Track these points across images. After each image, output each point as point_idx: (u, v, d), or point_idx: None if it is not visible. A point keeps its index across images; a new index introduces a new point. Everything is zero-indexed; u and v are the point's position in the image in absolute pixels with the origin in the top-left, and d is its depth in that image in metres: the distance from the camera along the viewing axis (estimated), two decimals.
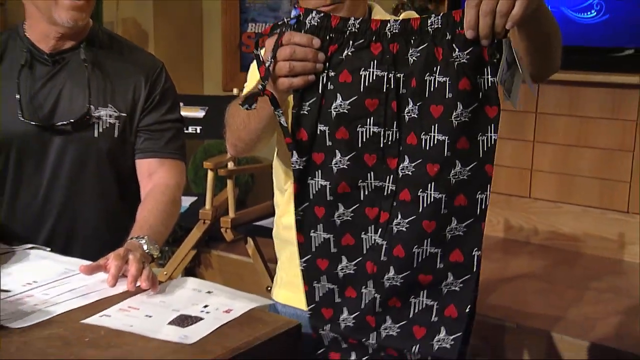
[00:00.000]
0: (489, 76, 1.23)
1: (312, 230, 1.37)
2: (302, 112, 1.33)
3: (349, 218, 1.35)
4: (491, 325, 3.34)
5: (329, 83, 1.31)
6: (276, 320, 1.40)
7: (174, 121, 1.94)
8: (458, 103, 1.23)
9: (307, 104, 1.32)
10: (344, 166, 1.32)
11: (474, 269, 1.31)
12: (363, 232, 1.35)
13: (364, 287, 1.35)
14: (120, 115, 1.87)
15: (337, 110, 1.30)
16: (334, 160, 1.33)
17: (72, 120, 1.83)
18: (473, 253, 1.30)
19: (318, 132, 1.33)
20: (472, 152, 1.25)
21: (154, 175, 1.87)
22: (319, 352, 1.42)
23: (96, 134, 1.86)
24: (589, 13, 3.96)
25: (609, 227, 4.04)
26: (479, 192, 1.28)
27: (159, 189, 1.84)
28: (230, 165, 3.37)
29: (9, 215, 1.91)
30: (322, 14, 1.31)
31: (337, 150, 1.32)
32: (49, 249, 1.77)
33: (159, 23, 4.49)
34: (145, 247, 1.62)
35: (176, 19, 4.62)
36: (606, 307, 3.40)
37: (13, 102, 1.82)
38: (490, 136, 1.25)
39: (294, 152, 1.34)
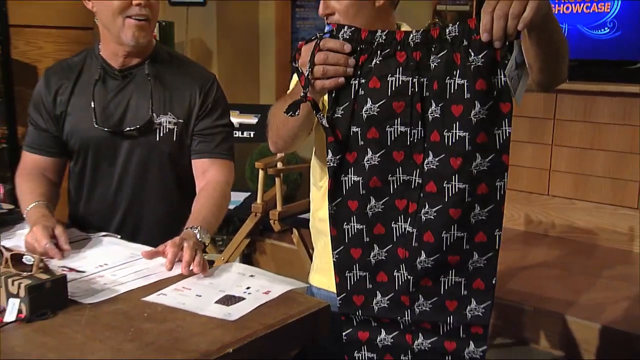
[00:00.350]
0: (502, 76, 1.22)
1: (345, 223, 1.35)
2: (336, 115, 1.32)
3: (379, 210, 1.33)
4: (511, 307, 3.29)
5: (360, 89, 1.30)
6: (308, 301, 1.41)
7: (224, 126, 1.92)
8: (476, 102, 1.22)
9: (341, 108, 1.31)
10: (375, 162, 1.31)
11: (497, 247, 1.29)
12: (393, 222, 1.33)
13: (396, 270, 1.33)
14: (178, 122, 1.87)
15: (367, 113, 1.29)
16: (365, 158, 1.31)
17: (138, 127, 1.85)
18: (495, 233, 1.28)
19: (351, 133, 1.31)
20: (490, 145, 1.24)
21: (207, 173, 1.87)
22: (348, 332, 1.40)
23: (158, 138, 1.87)
24: (602, 30, 3.87)
25: (620, 221, 3.96)
26: (498, 180, 1.26)
27: (211, 185, 1.83)
28: (279, 165, 3.38)
29: (87, 208, 1.94)
30: (353, 28, 1.30)
31: (368, 149, 1.31)
32: (119, 236, 1.80)
33: (222, 42, 4.53)
34: (198, 235, 1.62)
35: (236, 39, 4.65)
36: (616, 294, 3.33)
37: (89, 112, 1.84)
38: (505, 129, 1.24)
39: (329, 151, 1.33)
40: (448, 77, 1.24)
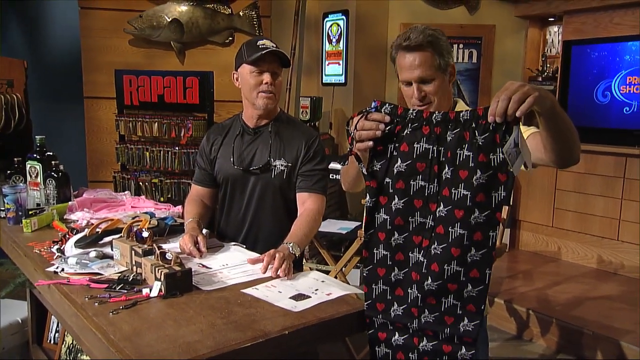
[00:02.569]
0: (500, 154, 1.19)
1: (375, 248, 1.35)
2: (375, 168, 1.33)
3: (400, 242, 1.33)
4: (574, 330, 2.98)
5: (394, 151, 1.31)
6: (356, 302, 1.40)
7: (320, 170, 1.92)
8: (478, 170, 1.21)
9: (379, 163, 1.33)
10: (400, 206, 1.31)
11: (486, 282, 1.24)
12: (410, 252, 1.32)
13: (409, 288, 1.32)
14: (288, 165, 1.90)
15: (397, 169, 1.31)
16: (393, 202, 1.32)
17: (260, 167, 1.91)
18: (486, 272, 1.24)
19: (385, 182, 1.33)
20: (487, 203, 1.22)
21: (305, 203, 1.88)
22: (370, 331, 1.38)
23: (273, 176, 1.91)
24: None
25: None
26: (491, 231, 1.23)
27: (307, 212, 1.84)
28: None
29: (224, 224, 2.03)
30: (392, 106, 1.32)
31: (395, 196, 1.32)
32: (244, 246, 1.87)
33: (356, 111, 4.56)
34: (290, 249, 1.65)
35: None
36: None
37: (230, 156, 1.96)
38: (501, 193, 1.21)
39: (367, 194, 1.35)
40: (459, 149, 1.24)
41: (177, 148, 3.85)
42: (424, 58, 1.51)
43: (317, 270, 1.59)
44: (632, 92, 3.65)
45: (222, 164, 1.98)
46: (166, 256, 1.49)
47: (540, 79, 4.19)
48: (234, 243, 1.88)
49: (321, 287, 1.47)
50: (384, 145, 1.32)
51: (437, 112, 1.28)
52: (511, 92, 1.14)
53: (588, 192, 3.90)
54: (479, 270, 1.24)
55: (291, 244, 1.67)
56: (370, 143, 1.31)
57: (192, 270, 1.47)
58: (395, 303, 1.33)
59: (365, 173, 1.33)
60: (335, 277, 2.63)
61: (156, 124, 3.84)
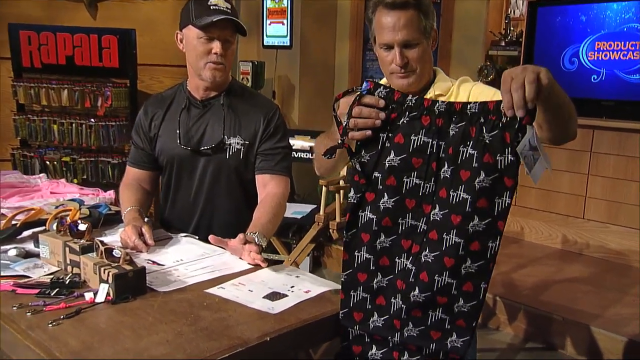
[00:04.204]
0: (509, 155, 1.18)
1: (357, 251, 1.33)
2: (362, 160, 1.31)
3: (387, 245, 1.31)
4: (542, 316, 3.16)
5: (387, 142, 1.29)
6: (340, 301, 1.38)
7: (283, 148, 1.91)
8: (481, 172, 1.19)
9: (368, 155, 1.30)
10: (389, 206, 1.29)
11: (481, 297, 1.25)
12: (397, 257, 1.31)
13: (393, 297, 1.31)
14: (245, 143, 1.88)
15: (389, 162, 1.28)
16: (382, 200, 1.30)
17: (212, 146, 1.88)
18: (481, 285, 1.24)
19: (373, 177, 1.30)
20: (488, 210, 1.21)
21: (267, 186, 1.87)
22: (343, 344, 1.37)
23: (227, 156, 1.88)
24: (637, 75, 3.68)
25: None
26: (491, 242, 1.22)
27: (269, 197, 1.83)
28: (341, 183, 3.39)
29: (171, 212, 1.99)
30: (387, 89, 1.29)
31: (385, 193, 1.29)
32: (197, 237, 1.83)
33: (303, 79, 4.57)
34: (256, 239, 1.64)
35: (315, 76, 4.67)
36: None
37: (175, 134, 1.90)
38: (505, 200, 1.20)
39: (352, 189, 1.32)
40: (462, 146, 1.22)
41: (93, 120, 3.69)
42: (409, 18, 1.50)
43: (267, 260, 1.58)
44: (600, 58, 3.84)
45: (166, 143, 1.92)
46: (113, 253, 1.43)
47: (503, 43, 4.33)
48: (184, 234, 1.84)
49: (297, 284, 1.47)
50: (375, 133, 1.29)
51: (439, 100, 1.27)
52: (520, 77, 1.12)
53: (553, 167, 4.11)
54: (474, 283, 1.24)
55: (256, 234, 1.65)
56: (369, 132, 1.28)
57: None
58: (375, 313, 1.33)
59: (359, 169, 1.31)
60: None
61: (65, 91, 3.65)
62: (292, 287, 1.44)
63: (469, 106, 1.22)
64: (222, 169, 1.89)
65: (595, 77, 3.88)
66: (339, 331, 1.36)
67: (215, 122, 1.89)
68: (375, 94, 1.29)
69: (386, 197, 1.29)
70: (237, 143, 1.88)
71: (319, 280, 1.51)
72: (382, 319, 1.32)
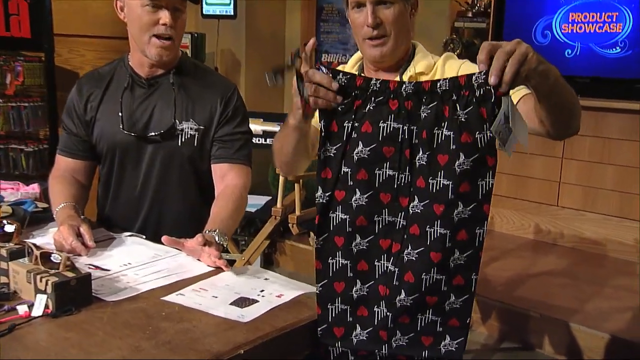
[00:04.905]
0: (488, 131, 1.19)
1: (330, 257, 1.33)
2: (328, 154, 1.31)
3: (364, 247, 1.31)
4: (518, 313, 3.25)
5: (353, 132, 1.29)
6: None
7: (243, 133, 1.90)
8: (460, 154, 1.21)
9: (334, 148, 1.30)
10: (363, 203, 1.29)
11: (472, 290, 1.27)
12: (376, 260, 1.31)
13: (376, 306, 1.31)
14: (199, 128, 1.86)
15: (358, 155, 1.28)
16: (354, 198, 1.29)
17: (161, 132, 1.84)
18: (472, 277, 1.27)
19: (341, 172, 1.30)
20: (472, 194, 1.22)
21: (225, 177, 1.85)
22: None
23: (179, 143, 1.86)
24: (614, 49, 3.82)
25: (627, 233, 3.90)
26: (478, 228, 1.24)
27: (229, 189, 1.81)
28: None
29: (113, 208, 1.95)
30: (348, 75, 1.30)
31: (357, 189, 1.29)
32: (144, 236, 1.80)
33: (250, 53, 4.53)
34: (217, 238, 1.62)
35: (263, 50, 4.65)
36: (620, 303, 3.28)
37: (117, 117, 1.85)
38: (489, 181, 1.22)
39: (319, 187, 1.32)
40: (436, 128, 1.23)
41: (1, 101, 3.55)
42: None
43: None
44: (575, 31, 3.97)
45: (105, 128, 1.88)
46: (51, 258, 1.37)
47: (470, 14, 4.40)
48: (129, 233, 1.80)
49: (267, 287, 1.45)
50: (339, 124, 1.29)
51: (406, 81, 1.28)
52: (510, 47, 1.13)
53: (525, 150, 4.23)
54: (464, 276, 1.26)
55: (216, 233, 1.63)
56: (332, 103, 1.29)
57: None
58: (357, 326, 1.33)
59: (325, 164, 1.30)
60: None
61: None
62: (262, 291, 1.43)
63: (438, 84, 1.24)
64: (173, 158, 1.87)
65: (570, 52, 4.00)
66: (319, 345, 1.35)
67: (164, 104, 1.85)
68: (337, 80, 1.28)
69: (358, 193, 1.29)
70: (191, 128, 1.85)
71: (291, 283, 1.50)
72: (366, 331, 1.32)
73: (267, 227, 3.03)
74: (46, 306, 1.29)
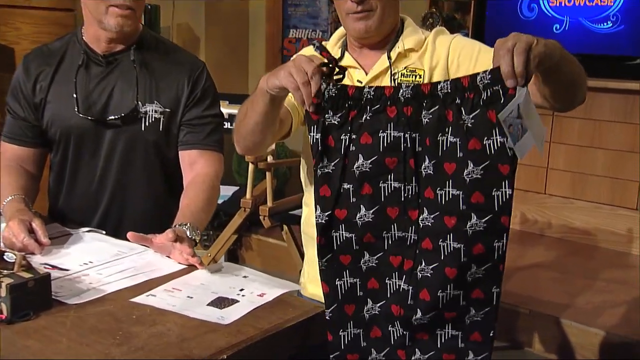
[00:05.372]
0: (498, 137, 1.19)
1: (338, 279, 1.34)
2: (326, 170, 1.32)
3: (373, 265, 1.33)
4: (506, 310, 3.30)
5: (351, 145, 1.30)
6: (304, 305, 1.40)
7: (213, 116, 1.90)
8: (469, 162, 1.21)
9: (332, 164, 1.31)
10: (369, 219, 1.30)
11: (494, 302, 1.28)
12: (387, 278, 1.32)
13: (390, 326, 1.32)
14: (165, 111, 1.85)
15: (359, 169, 1.30)
16: (358, 215, 1.31)
17: (122, 115, 1.83)
18: (493, 290, 1.27)
19: (342, 189, 1.31)
20: (486, 206, 1.22)
21: (195, 165, 1.85)
22: None
23: (143, 128, 1.85)
24: (605, 24, 3.88)
25: (618, 222, 3.98)
26: (496, 241, 1.23)
27: (200, 178, 1.82)
28: (270, 159, 3.37)
29: (67, 201, 1.93)
30: (338, 86, 1.30)
31: (361, 206, 1.30)
32: (104, 232, 1.78)
33: (210, 28, 4.50)
34: (188, 233, 1.62)
35: (225, 25, 4.62)
36: (613, 297, 3.35)
37: (70, 99, 1.83)
38: (505, 191, 1.21)
39: (318, 207, 1.33)
40: (440, 134, 1.25)
41: None
42: None
43: None
44: (563, 4, 4.03)
45: (58, 111, 1.86)
46: (4, 257, 1.35)
47: None
48: (87, 229, 1.79)
49: (246, 286, 1.45)
50: (336, 138, 1.30)
51: (403, 85, 1.28)
52: (510, 45, 1.15)
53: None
54: (483, 289, 1.26)
55: (187, 227, 1.63)
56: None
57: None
58: (373, 351, 1.34)
59: (323, 181, 1.31)
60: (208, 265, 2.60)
61: None
62: (242, 290, 1.43)
63: (439, 86, 1.25)
64: (136, 145, 1.86)
65: (558, 27, 4.06)
66: (321, 331, 1.36)
67: (125, 84, 1.84)
68: (325, 93, 1.29)
69: (363, 209, 1.31)
70: (155, 111, 1.84)
71: (272, 280, 1.50)
72: (382, 354, 1.34)
73: (235, 220, 3.01)
74: (0, 311, 1.27)
